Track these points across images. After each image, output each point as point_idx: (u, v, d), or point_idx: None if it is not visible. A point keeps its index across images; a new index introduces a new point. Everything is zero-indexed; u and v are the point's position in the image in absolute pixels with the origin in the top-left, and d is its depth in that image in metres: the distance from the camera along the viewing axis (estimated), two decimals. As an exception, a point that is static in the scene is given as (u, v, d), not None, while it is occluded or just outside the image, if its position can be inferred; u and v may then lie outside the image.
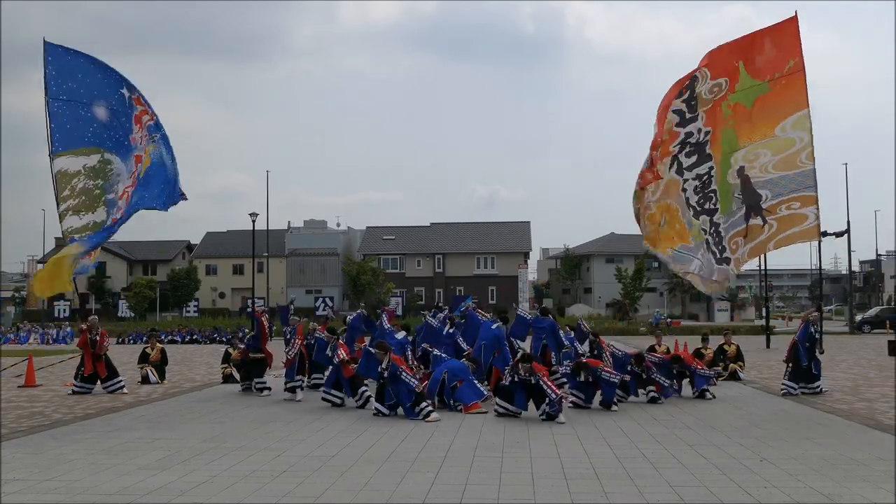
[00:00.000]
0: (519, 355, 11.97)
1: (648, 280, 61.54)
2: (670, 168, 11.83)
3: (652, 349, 15.79)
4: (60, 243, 75.33)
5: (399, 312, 48.75)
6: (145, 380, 17.03)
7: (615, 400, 12.02)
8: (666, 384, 13.04)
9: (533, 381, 10.82)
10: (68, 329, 44.20)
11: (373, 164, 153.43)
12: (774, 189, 11.15)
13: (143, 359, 17.50)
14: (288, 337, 14.22)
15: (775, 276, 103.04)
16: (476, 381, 12.24)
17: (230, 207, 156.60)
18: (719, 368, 16.41)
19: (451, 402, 11.85)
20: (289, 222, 75.94)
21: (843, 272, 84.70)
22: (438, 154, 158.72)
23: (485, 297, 63.74)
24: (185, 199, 12.17)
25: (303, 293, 68.97)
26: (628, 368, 12.89)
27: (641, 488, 6.75)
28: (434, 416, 10.91)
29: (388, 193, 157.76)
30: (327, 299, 64.16)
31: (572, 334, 15.72)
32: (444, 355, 13.31)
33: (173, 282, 68.37)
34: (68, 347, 30.52)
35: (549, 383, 10.85)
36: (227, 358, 17.16)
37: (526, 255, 71.89)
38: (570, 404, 12.06)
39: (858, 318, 50.89)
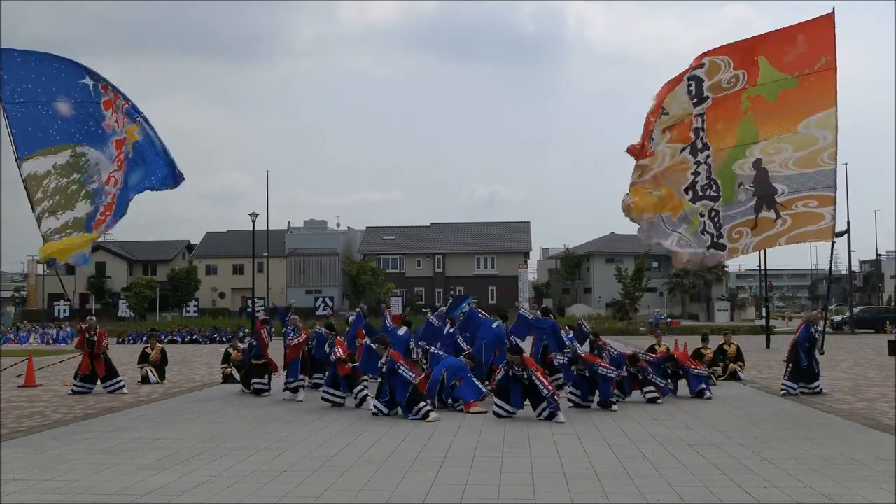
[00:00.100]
0: (507, 346, 12.03)
1: (648, 280, 61.53)
2: (682, 150, 11.76)
3: (652, 349, 15.79)
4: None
5: (399, 312, 48.88)
6: (145, 380, 17.03)
7: (614, 400, 12.02)
8: (661, 384, 13.04)
9: (526, 377, 10.83)
10: (68, 329, 44.21)
11: (373, 164, 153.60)
12: (792, 185, 11.03)
13: (143, 359, 17.51)
14: (290, 335, 14.20)
15: (775, 276, 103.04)
16: (475, 379, 12.26)
17: (230, 207, 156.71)
18: (718, 369, 16.41)
19: (450, 401, 11.86)
20: (289, 222, 76.07)
21: (843, 272, 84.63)
22: (438, 154, 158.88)
23: (485, 297, 63.75)
24: (183, 178, 11.96)
25: (303, 293, 68.98)
26: (624, 368, 12.89)
27: (641, 488, 6.75)
28: (433, 415, 10.91)
29: (388, 193, 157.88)
30: (327, 299, 64.21)
31: (572, 334, 15.71)
32: (441, 353, 13.30)
33: (173, 282, 68.37)
34: (68, 347, 30.53)
35: (542, 379, 10.86)
36: (227, 358, 17.16)
37: (526, 255, 71.90)
38: (570, 404, 12.07)
39: (838, 318, 51.05)
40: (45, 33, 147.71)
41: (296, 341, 13.82)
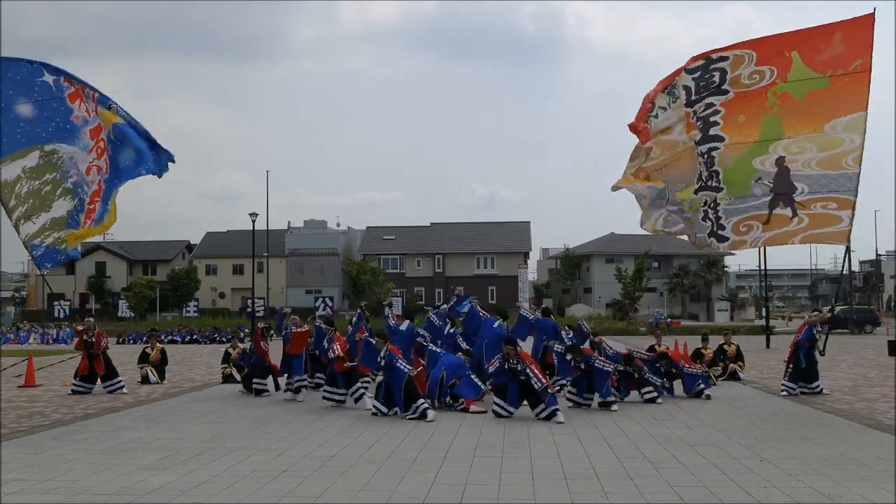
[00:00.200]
0: (500, 330, 12.06)
1: (648, 280, 61.54)
2: (691, 140, 11.66)
3: (652, 349, 15.79)
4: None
5: (399, 312, 48.85)
6: (145, 380, 17.04)
7: (613, 400, 12.03)
8: (658, 382, 13.05)
9: (520, 369, 10.85)
10: (68, 329, 44.21)
11: (373, 164, 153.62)
12: (813, 185, 10.87)
13: (143, 359, 17.51)
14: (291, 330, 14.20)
15: (775, 276, 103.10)
16: (474, 377, 12.26)
17: (230, 207, 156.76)
18: (718, 369, 16.41)
19: (448, 400, 11.86)
20: (289, 222, 76.09)
21: (844, 272, 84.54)
22: (438, 154, 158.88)
23: (485, 297, 63.72)
24: (173, 157, 11.68)
25: (303, 293, 69.01)
26: (620, 368, 12.89)
27: (641, 488, 6.75)
28: (431, 414, 10.91)
29: (388, 193, 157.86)
30: (327, 299, 64.18)
31: (572, 334, 15.71)
32: (439, 350, 13.23)
33: (173, 282, 68.37)
34: (68, 347, 30.51)
35: (536, 372, 10.89)
36: (226, 358, 17.16)
37: (526, 255, 71.92)
38: (570, 404, 12.08)
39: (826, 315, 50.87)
40: (45, 33, 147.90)
41: (299, 330, 13.79)
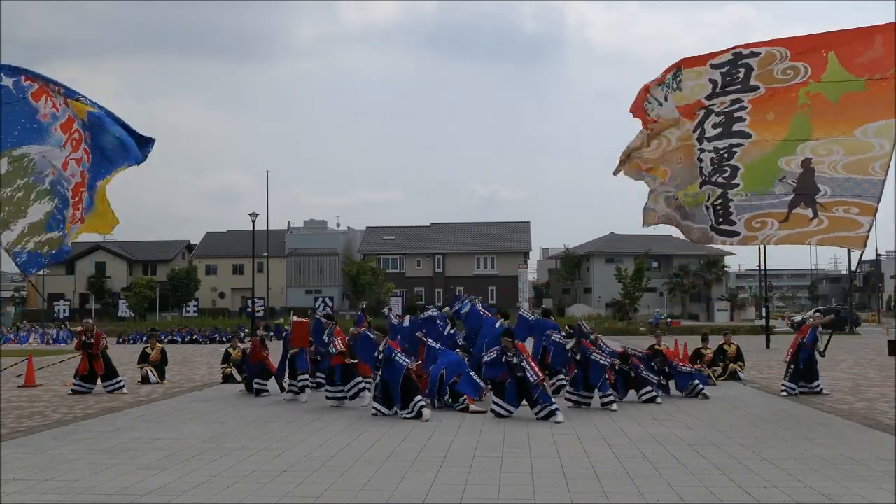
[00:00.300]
0: (501, 330, 12.09)
1: (648, 280, 61.53)
2: (694, 131, 11.44)
3: (652, 349, 15.78)
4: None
5: (399, 312, 48.85)
6: (145, 380, 17.04)
7: (613, 399, 12.03)
8: (655, 380, 13.07)
9: (516, 362, 10.88)
10: (67, 331, 44.26)
11: (373, 164, 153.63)
12: (836, 188, 10.72)
13: (143, 359, 17.51)
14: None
15: (775, 276, 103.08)
16: (473, 374, 12.28)
17: (230, 207, 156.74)
18: (718, 369, 16.41)
19: (448, 399, 11.86)
20: (289, 222, 76.04)
21: (843, 272, 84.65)
22: (438, 154, 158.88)
23: (485, 297, 63.68)
24: (152, 143, 11.46)
25: (303, 293, 69.00)
26: (615, 367, 12.90)
27: (641, 488, 6.75)
28: (426, 413, 10.92)
29: (388, 193, 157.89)
30: (327, 299, 64.17)
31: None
32: (438, 346, 13.16)
33: (173, 282, 68.35)
34: (68, 347, 30.52)
35: (532, 365, 10.91)
36: (226, 358, 17.16)
37: (526, 255, 71.89)
38: (570, 404, 12.09)
39: (798, 318, 51.09)
40: (45, 33, 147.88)
41: (299, 320, 13.75)
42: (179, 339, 42.80)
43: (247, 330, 36.43)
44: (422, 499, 6.46)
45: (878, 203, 10.52)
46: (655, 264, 69.51)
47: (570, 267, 72.63)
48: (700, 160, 11.45)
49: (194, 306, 66.72)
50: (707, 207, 11.48)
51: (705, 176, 11.45)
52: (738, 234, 11.37)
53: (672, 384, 13.86)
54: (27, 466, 7.90)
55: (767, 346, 30.89)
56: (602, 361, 11.95)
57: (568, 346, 12.35)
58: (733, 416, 11.35)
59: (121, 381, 15.42)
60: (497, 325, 13.97)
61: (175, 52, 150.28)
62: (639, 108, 11.70)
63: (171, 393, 15.12)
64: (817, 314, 16.22)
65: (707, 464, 7.79)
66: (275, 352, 15.34)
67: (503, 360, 11.05)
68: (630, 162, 12.17)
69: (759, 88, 10.89)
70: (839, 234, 10.78)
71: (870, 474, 7.25)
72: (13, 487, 6.98)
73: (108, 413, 12.15)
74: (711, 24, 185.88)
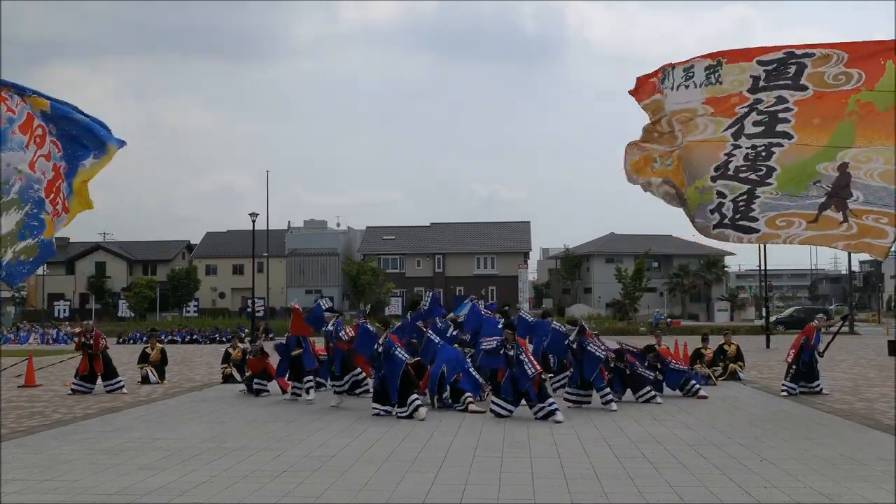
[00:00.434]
0: (502, 322, 12.10)
1: (648, 280, 61.53)
2: (726, 129, 11.12)
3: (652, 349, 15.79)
4: (61, 243, 75.51)
5: (398, 312, 48.95)
6: (145, 380, 17.04)
7: (611, 398, 12.05)
8: (650, 377, 13.07)
9: (512, 354, 10.89)
10: (64, 336, 44.30)
11: (373, 164, 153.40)
12: (869, 196, 10.60)
13: (143, 359, 17.51)
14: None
15: (775, 276, 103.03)
16: (472, 371, 12.28)
17: (230, 207, 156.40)
18: (718, 369, 16.42)
19: (448, 397, 11.85)
20: (289, 222, 76.04)
21: (843, 272, 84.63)
22: (438, 154, 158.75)
23: (485, 297, 63.70)
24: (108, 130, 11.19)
25: (303, 293, 68.92)
26: (611, 365, 12.90)
27: (641, 488, 6.75)
28: (422, 412, 10.92)
29: (388, 193, 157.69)
30: (327, 299, 64.11)
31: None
32: (437, 339, 13.01)
33: (173, 282, 68.37)
34: (68, 347, 30.51)
35: (529, 358, 10.93)
36: (227, 358, 17.17)
37: (526, 255, 71.90)
38: (569, 404, 12.09)
39: (773, 318, 51.15)
40: (45, 33, 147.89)
41: (296, 307, 13.72)
42: (179, 339, 42.81)
43: (247, 330, 36.44)
44: (422, 499, 6.46)
45: None
46: (655, 264, 69.52)
47: (570, 267, 72.65)
48: (730, 155, 11.14)
49: (194, 306, 66.75)
50: (722, 203, 11.22)
51: (730, 171, 11.15)
52: (756, 231, 11.19)
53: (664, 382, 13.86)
54: (27, 466, 7.90)
55: (767, 346, 30.91)
56: (597, 353, 11.99)
57: (571, 337, 12.32)
58: (733, 416, 11.35)
59: (121, 381, 15.43)
60: (500, 325, 13.94)
61: (175, 52, 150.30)
62: (646, 81, 11.38)
63: (171, 393, 15.12)
64: (820, 315, 16.19)
65: (707, 464, 7.79)
66: (275, 352, 15.33)
67: (501, 351, 11.07)
68: (643, 156, 11.83)
69: (807, 89, 10.65)
70: (866, 240, 10.68)
71: (870, 474, 7.25)
72: (13, 487, 6.98)
73: (108, 413, 12.16)
74: (711, 24, 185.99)
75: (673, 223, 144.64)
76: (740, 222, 11.23)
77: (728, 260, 72.56)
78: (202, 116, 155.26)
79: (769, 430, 9.89)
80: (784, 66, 10.73)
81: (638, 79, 11.69)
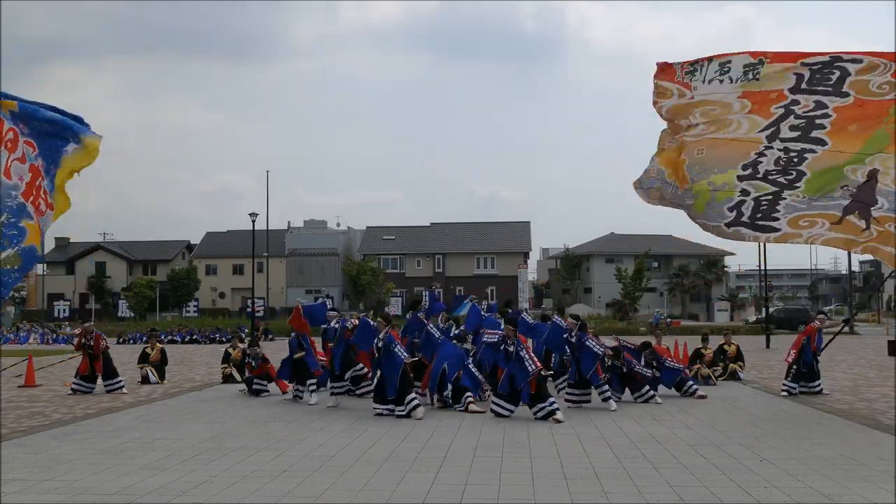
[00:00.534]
0: (503, 320, 12.12)
1: (648, 280, 61.54)
2: (761, 129, 10.90)
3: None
4: (61, 243, 75.45)
5: (398, 313, 48.93)
6: (145, 380, 17.05)
7: (609, 397, 12.05)
8: (648, 374, 13.08)
9: (511, 350, 10.91)
10: (62, 337, 44.32)
11: (373, 164, 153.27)
12: (893, 203, 10.57)
13: (143, 359, 17.52)
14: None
15: (775, 276, 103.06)
16: (473, 368, 12.28)
17: (230, 207, 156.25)
18: (718, 369, 16.42)
19: (448, 396, 11.84)
20: (289, 222, 76.02)
21: (843, 272, 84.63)
22: (438, 154, 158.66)
23: (485, 297, 63.66)
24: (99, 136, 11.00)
25: (303, 293, 68.90)
26: (608, 364, 12.90)
27: (641, 488, 6.75)
28: (420, 411, 10.91)
29: (388, 193, 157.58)
30: (327, 299, 64.10)
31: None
32: (437, 333, 12.82)
33: (173, 282, 68.37)
34: (68, 347, 30.52)
35: (529, 354, 10.97)
36: (227, 358, 17.17)
37: (526, 255, 71.90)
38: (569, 404, 12.10)
39: (753, 318, 51.18)
40: (45, 33, 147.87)
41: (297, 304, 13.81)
42: (179, 339, 42.80)
43: (247, 330, 36.43)
44: (422, 499, 6.46)
45: None
46: (655, 264, 69.53)
47: (570, 267, 72.66)
48: (761, 155, 10.98)
49: (194, 306, 66.75)
50: (743, 202, 11.08)
51: (759, 173, 10.99)
52: (777, 230, 11.10)
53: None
54: (27, 466, 7.90)
55: (767, 346, 30.91)
56: (595, 349, 12.04)
57: (573, 333, 12.33)
58: (733, 416, 11.35)
59: (121, 381, 15.43)
60: (501, 326, 13.93)
61: (175, 52, 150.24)
62: (669, 66, 11.04)
63: (171, 393, 15.12)
64: (821, 316, 16.19)
65: (707, 464, 7.79)
66: (275, 354, 15.34)
67: (502, 346, 11.08)
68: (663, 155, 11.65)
69: (848, 96, 10.49)
70: (884, 247, 10.68)
71: (870, 474, 7.25)
72: (13, 487, 6.98)
73: (108, 413, 12.16)
74: (711, 24, 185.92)
75: (673, 223, 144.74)
76: (760, 222, 11.12)
77: (728, 260, 72.65)
78: (202, 116, 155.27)
79: (769, 430, 9.89)
80: (829, 70, 10.54)
81: (660, 63, 11.23)
